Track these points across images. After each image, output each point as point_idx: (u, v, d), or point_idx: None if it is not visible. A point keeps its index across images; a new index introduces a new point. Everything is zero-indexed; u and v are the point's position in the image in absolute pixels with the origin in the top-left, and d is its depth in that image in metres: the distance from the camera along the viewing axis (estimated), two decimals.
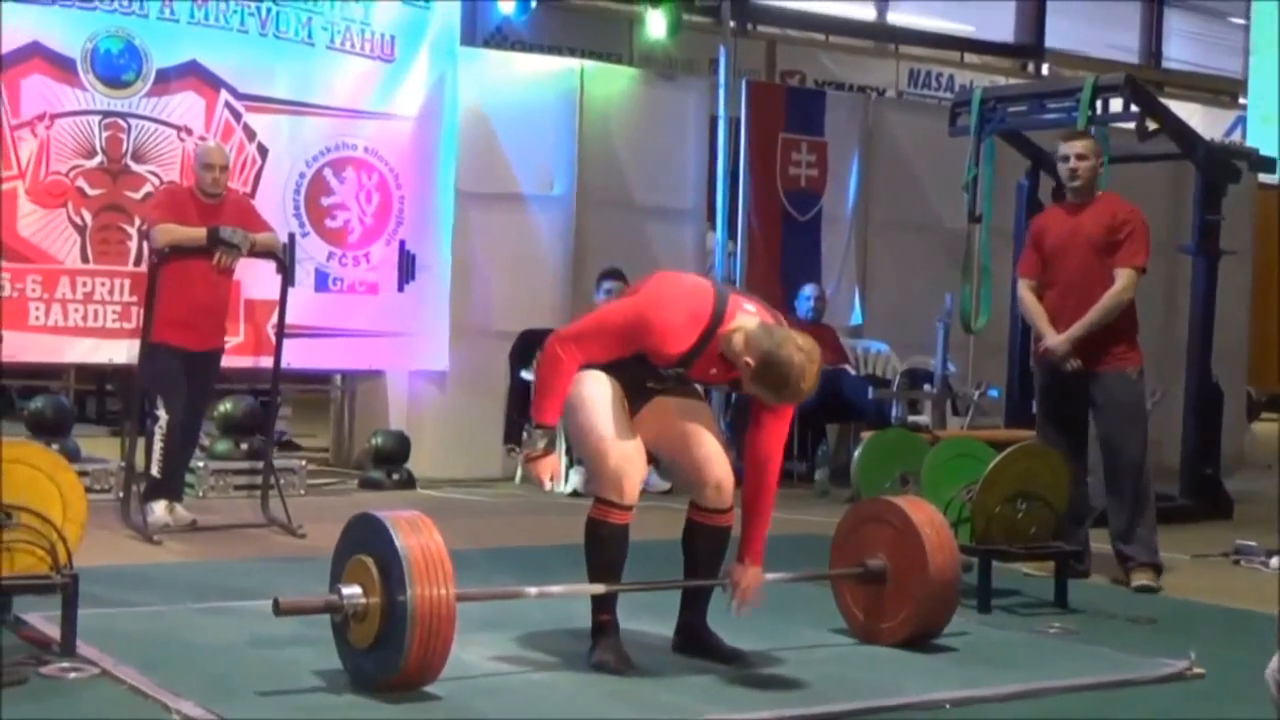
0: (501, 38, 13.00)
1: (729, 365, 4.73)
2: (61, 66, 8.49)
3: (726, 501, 4.98)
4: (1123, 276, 6.84)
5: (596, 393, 4.81)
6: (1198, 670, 5.08)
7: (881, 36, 17.45)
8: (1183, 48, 19.65)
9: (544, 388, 4.81)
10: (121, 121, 8.65)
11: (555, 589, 4.79)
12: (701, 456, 4.96)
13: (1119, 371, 6.89)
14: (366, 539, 4.45)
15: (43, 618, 4.96)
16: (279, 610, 4.42)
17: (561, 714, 4.29)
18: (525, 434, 4.97)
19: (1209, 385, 9.78)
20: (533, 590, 4.88)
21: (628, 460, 4.79)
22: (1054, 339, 6.87)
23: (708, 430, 5.00)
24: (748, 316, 4.71)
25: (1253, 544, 7.82)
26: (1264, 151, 11.20)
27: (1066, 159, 6.98)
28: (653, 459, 4.97)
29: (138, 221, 8.45)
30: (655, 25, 10.94)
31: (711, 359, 4.75)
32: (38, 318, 8.41)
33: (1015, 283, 9.43)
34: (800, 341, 4.60)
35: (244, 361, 8.94)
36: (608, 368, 4.82)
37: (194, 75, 8.85)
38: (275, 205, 8.96)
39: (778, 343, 4.58)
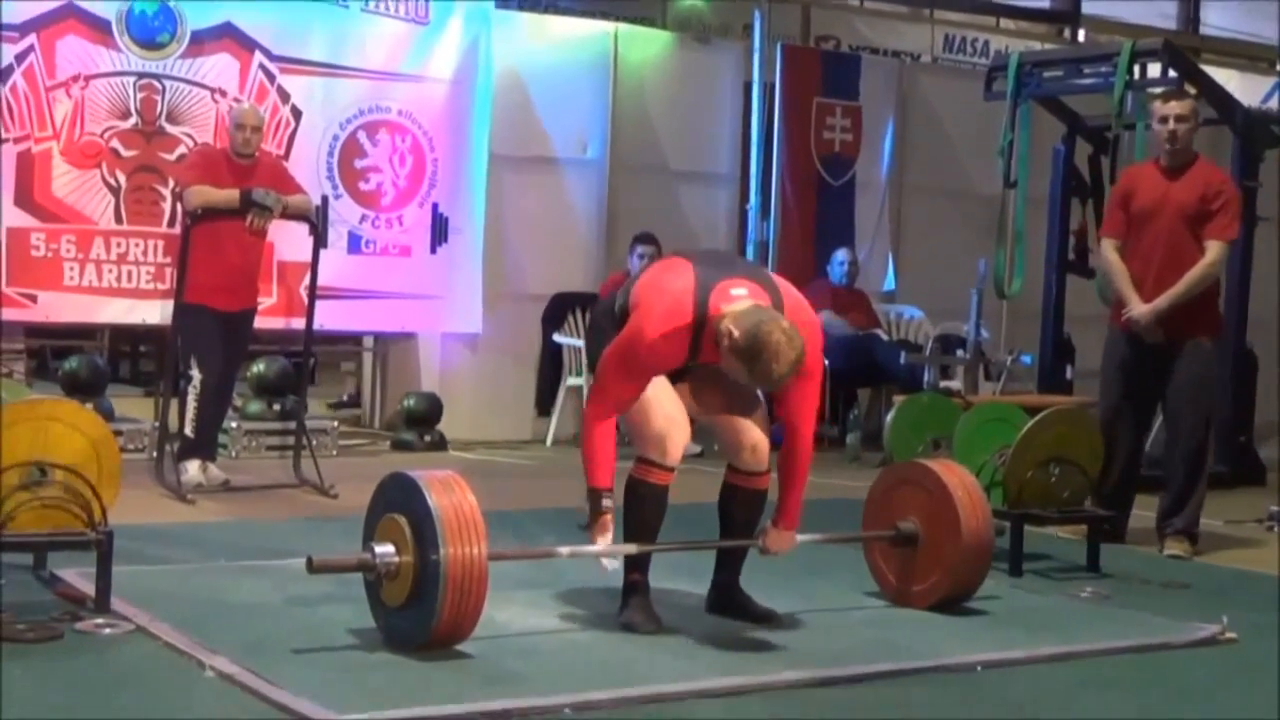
0: (536, 0, 12.94)
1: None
2: (96, 28, 8.51)
3: (762, 464, 4.97)
4: (1215, 249, 6.67)
5: None
6: (1230, 635, 5.06)
7: (917, 1, 17.32)
8: (1220, 14, 19.43)
9: (590, 456, 4.71)
10: (156, 83, 8.67)
11: (588, 549, 4.77)
12: (737, 419, 4.96)
13: (1197, 342, 6.75)
14: (399, 498, 4.46)
15: (78, 574, 5.00)
16: (312, 568, 4.43)
17: (594, 674, 4.29)
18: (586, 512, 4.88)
19: (1243, 353, 9.73)
20: (565, 550, 4.87)
21: (671, 421, 4.79)
22: (1139, 309, 6.69)
23: (744, 395, 4.99)
24: (737, 301, 4.60)
25: None
26: None
27: (1165, 120, 6.70)
28: (691, 424, 4.94)
29: (171, 183, 8.48)
30: None
31: (711, 350, 4.66)
32: (72, 278, 8.46)
33: (1049, 249, 9.51)
34: (786, 325, 4.47)
35: (276, 323, 8.98)
36: None
37: (228, 37, 8.87)
38: (309, 167, 8.98)
39: (762, 320, 4.46)
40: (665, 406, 4.79)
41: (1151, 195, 6.78)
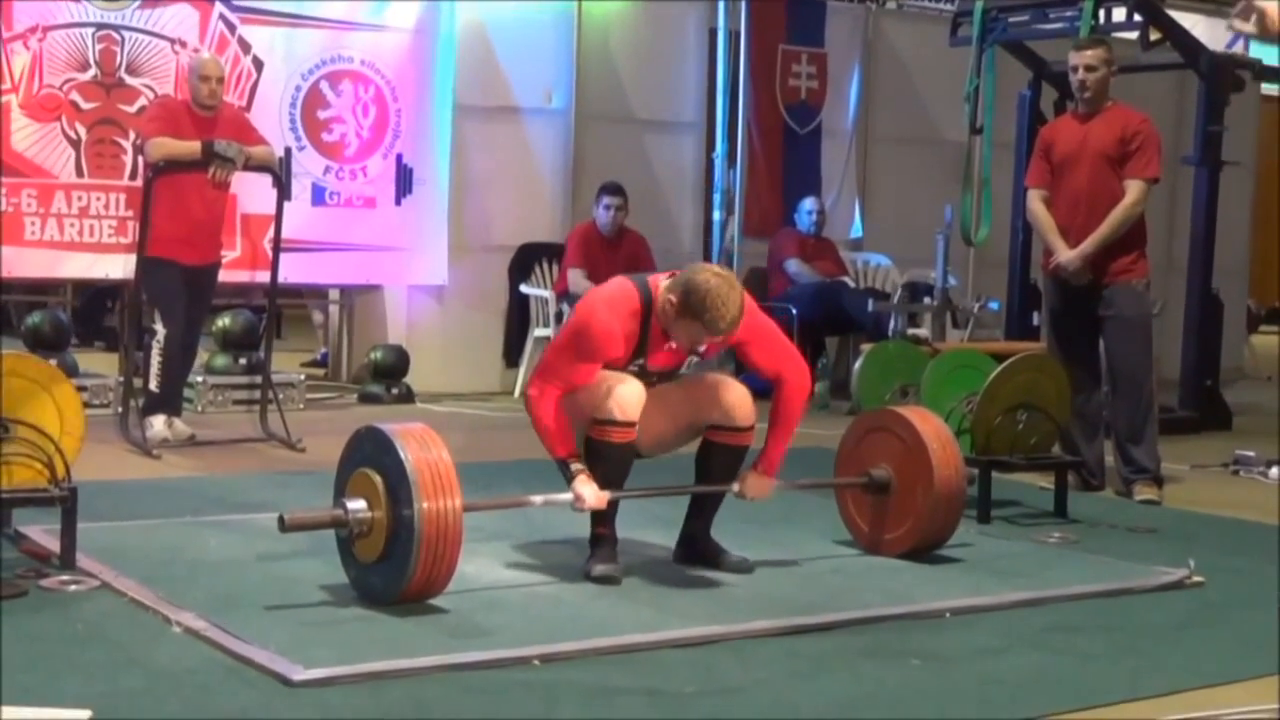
0: None
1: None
2: None
3: (748, 419, 4.95)
4: (1134, 189, 6.77)
5: None
6: (1197, 579, 5.09)
7: None
8: None
9: (542, 429, 4.74)
10: (115, 34, 8.56)
11: (561, 496, 4.75)
12: (712, 382, 4.98)
13: (1126, 284, 6.83)
14: (372, 453, 4.41)
15: (42, 531, 4.96)
16: (285, 526, 4.39)
17: (563, 625, 4.28)
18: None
19: (1209, 297, 9.76)
20: (538, 499, 4.84)
21: (620, 380, 4.76)
22: (1066, 254, 6.80)
23: (711, 374, 5.08)
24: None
25: (1251, 454, 7.84)
26: (1267, 62, 11.10)
27: (1075, 70, 6.87)
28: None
29: (132, 135, 8.39)
30: None
31: (659, 339, 4.78)
32: (34, 233, 8.36)
33: (1016, 195, 9.50)
34: (715, 268, 4.70)
35: (241, 276, 8.91)
36: None
37: None
38: (271, 119, 8.90)
39: (694, 271, 4.67)
40: (614, 374, 4.78)
41: (1070, 142, 6.93)
